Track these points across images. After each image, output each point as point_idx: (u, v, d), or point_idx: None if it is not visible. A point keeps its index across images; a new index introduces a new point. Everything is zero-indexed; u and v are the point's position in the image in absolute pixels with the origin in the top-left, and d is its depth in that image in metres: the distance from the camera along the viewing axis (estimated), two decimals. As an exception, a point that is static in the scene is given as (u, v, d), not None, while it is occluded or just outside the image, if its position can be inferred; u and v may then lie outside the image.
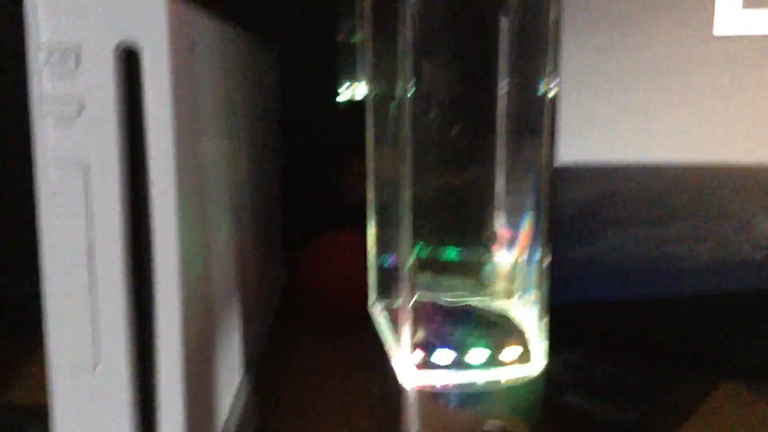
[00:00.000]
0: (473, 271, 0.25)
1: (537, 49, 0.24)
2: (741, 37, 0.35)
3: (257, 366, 0.38)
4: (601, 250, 0.37)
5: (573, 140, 0.35)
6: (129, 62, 0.24)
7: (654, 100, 0.36)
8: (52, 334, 0.25)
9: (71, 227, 0.24)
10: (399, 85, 0.23)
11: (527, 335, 0.25)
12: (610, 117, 0.35)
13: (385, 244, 0.29)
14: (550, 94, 0.24)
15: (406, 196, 0.23)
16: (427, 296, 0.25)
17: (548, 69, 0.24)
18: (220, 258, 0.32)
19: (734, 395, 0.44)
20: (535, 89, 0.24)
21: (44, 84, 0.23)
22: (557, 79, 0.24)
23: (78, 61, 0.23)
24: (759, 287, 0.39)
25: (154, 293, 0.25)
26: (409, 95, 0.23)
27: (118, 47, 0.23)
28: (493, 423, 0.24)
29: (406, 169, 0.23)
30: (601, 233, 0.37)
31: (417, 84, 0.23)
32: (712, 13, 0.35)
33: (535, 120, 0.24)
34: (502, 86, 0.24)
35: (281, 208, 0.56)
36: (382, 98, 0.25)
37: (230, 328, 0.34)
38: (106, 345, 0.24)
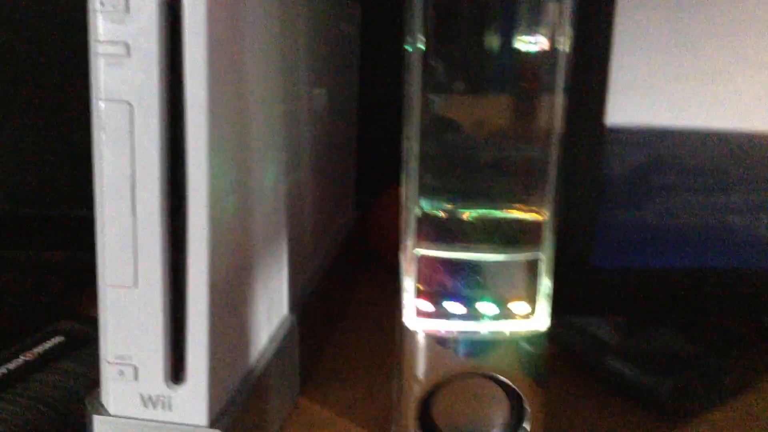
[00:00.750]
0: (486, 228, 0.25)
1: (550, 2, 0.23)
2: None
3: (305, 304, 0.40)
4: (652, 215, 0.36)
5: (626, 102, 0.34)
6: (173, 10, 0.26)
7: (716, 63, 0.34)
8: (99, 255, 0.28)
9: (117, 157, 0.27)
10: (409, 39, 0.23)
11: (534, 293, 0.26)
12: (667, 79, 0.34)
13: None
14: (564, 49, 0.23)
15: (414, 148, 0.24)
16: (436, 249, 0.25)
17: (562, 24, 0.23)
18: (267, 196, 0.34)
19: None
20: (549, 45, 0.23)
21: (98, 27, 0.26)
22: (571, 36, 0.23)
23: (127, 8, 0.26)
24: None
25: (187, 223, 0.27)
26: (418, 47, 0.23)
27: (162, -4, 0.25)
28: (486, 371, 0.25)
29: (414, 122, 0.24)
30: (653, 198, 0.35)
31: (428, 38, 0.23)
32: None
33: (548, 77, 0.24)
34: (515, 42, 0.24)
35: (356, 156, 0.58)
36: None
37: (276, 264, 0.36)
38: (143, 267, 0.27)
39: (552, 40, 0.24)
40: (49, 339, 0.41)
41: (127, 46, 0.26)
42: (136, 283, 0.28)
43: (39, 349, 0.40)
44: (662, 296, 0.37)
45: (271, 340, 0.36)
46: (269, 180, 0.34)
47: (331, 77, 0.47)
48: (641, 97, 0.34)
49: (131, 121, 0.26)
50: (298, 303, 0.40)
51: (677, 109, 0.34)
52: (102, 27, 0.26)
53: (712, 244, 0.36)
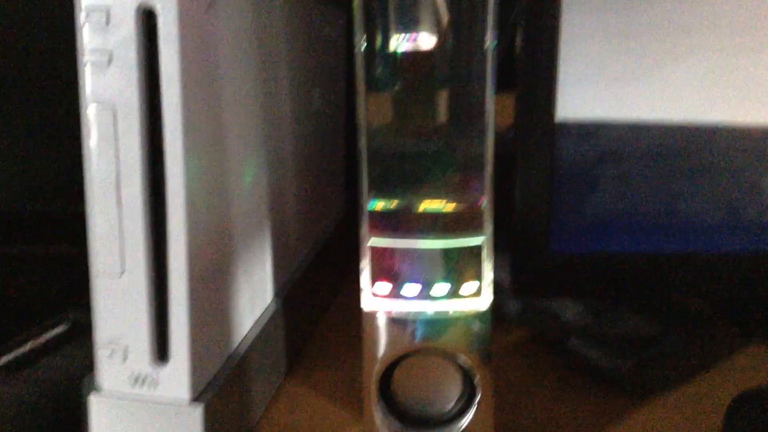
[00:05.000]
0: (432, 216, 0.28)
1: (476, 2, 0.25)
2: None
3: (290, 290, 0.43)
4: (605, 203, 0.38)
5: (574, 96, 0.36)
6: (149, 22, 0.29)
7: (661, 57, 0.36)
8: (91, 245, 0.31)
9: (103, 156, 0.29)
10: (355, 38, 0.26)
11: (479, 273, 0.28)
12: (614, 74, 0.36)
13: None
14: (489, 46, 0.25)
15: (363, 144, 0.26)
16: (388, 238, 0.28)
17: (487, 21, 0.25)
18: (248, 190, 0.37)
19: (730, 349, 0.44)
20: (477, 41, 0.26)
21: (84, 38, 0.29)
22: (495, 32, 0.25)
23: (108, 19, 0.28)
24: (764, 249, 0.38)
25: (167, 216, 0.30)
26: (362, 49, 0.26)
27: (139, 8, 0.28)
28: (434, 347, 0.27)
29: (362, 118, 0.26)
30: (606, 187, 0.38)
31: (368, 38, 0.25)
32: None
33: (478, 72, 0.26)
34: (448, 38, 0.26)
35: (347, 152, 0.60)
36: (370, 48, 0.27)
37: (259, 253, 0.39)
38: (129, 257, 0.30)
39: (478, 36, 0.26)
40: (54, 327, 0.44)
41: (109, 55, 0.29)
42: (122, 271, 0.30)
43: (44, 336, 0.43)
44: (620, 279, 0.39)
45: (255, 324, 0.38)
46: (249, 175, 0.37)
47: (315, 79, 0.49)
48: (589, 91, 0.36)
49: (115, 123, 0.29)
50: (283, 289, 0.42)
51: (624, 101, 0.36)
52: (87, 37, 0.28)
53: (664, 229, 0.38)
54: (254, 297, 0.38)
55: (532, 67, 0.35)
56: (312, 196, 0.50)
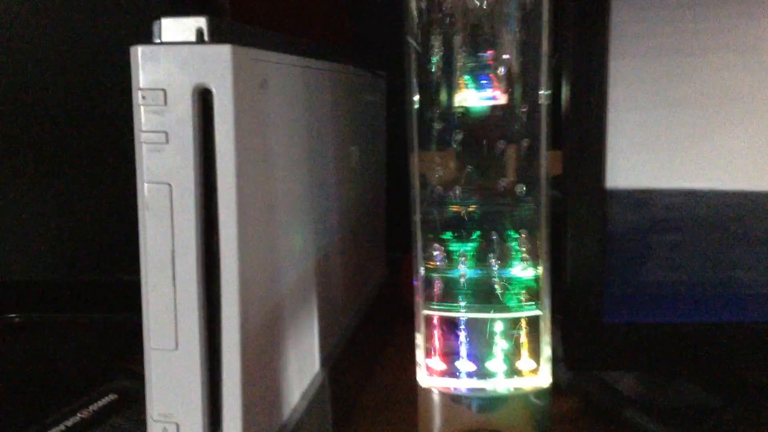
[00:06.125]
0: (490, 286, 0.27)
1: (532, 60, 0.25)
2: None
3: (336, 360, 0.42)
4: (657, 272, 0.37)
5: (626, 164, 0.36)
6: (205, 101, 0.29)
7: (711, 125, 0.35)
8: (145, 319, 0.31)
9: (159, 232, 0.30)
10: (407, 98, 0.26)
11: (537, 347, 0.27)
12: (667, 142, 0.36)
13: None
14: (543, 102, 0.25)
15: (416, 217, 0.26)
16: (442, 309, 0.27)
17: (541, 78, 0.25)
18: (297, 259, 0.37)
19: None
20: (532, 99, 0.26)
21: (141, 118, 0.29)
22: (549, 90, 0.26)
23: (165, 100, 0.29)
24: None
25: (220, 291, 0.30)
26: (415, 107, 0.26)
27: (195, 89, 0.29)
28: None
29: (414, 192, 0.26)
30: (657, 256, 0.37)
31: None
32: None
33: (532, 129, 0.26)
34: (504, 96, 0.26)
35: (386, 216, 0.60)
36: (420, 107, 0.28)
37: (307, 323, 0.39)
38: (182, 331, 0.30)
39: (534, 97, 0.26)
40: (103, 397, 0.44)
41: (166, 134, 0.29)
42: (177, 346, 0.30)
43: (94, 407, 0.43)
44: (675, 351, 0.38)
45: (303, 395, 0.38)
46: (298, 244, 0.37)
47: (358, 143, 0.50)
48: (638, 158, 0.36)
49: (170, 200, 0.30)
50: (329, 359, 0.42)
51: (673, 169, 0.36)
52: (144, 118, 0.29)
53: (720, 299, 0.37)
54: (302, 367, 0.38)
55: (580, 132, 0.35)
56: (357, 261, 0.50)
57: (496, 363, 0.27)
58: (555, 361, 0.40)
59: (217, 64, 0.29)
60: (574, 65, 0.35)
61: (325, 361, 0.41)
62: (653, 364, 0.40)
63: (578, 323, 0.38)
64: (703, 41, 0.35)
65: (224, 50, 0.28)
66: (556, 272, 0.38)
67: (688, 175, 0.36)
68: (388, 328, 0.59)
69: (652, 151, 0.35)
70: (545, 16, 0.26)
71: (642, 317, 0.38)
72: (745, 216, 0.36)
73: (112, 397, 0.44)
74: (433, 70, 0.26)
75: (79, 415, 0.41)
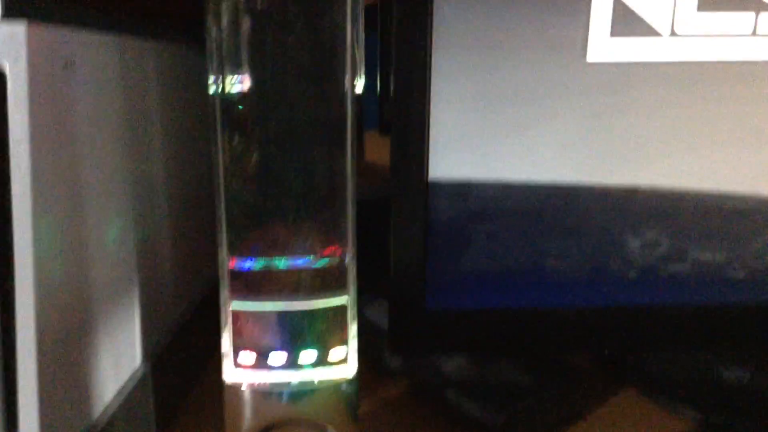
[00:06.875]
0: (295, 276, 0.27)
1: (338, 48, 0.26)
2: (611, 64, 0.37)
3: (159, 354, 0.41)
4: (477, 260, 0.39)
5: (446, 156, 0.38)
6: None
7: (526, 121, 0.38)
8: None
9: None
10: (208, 87, 0.25)
11: (345, 336, 0.28)
12: (485, 135, 0.38)
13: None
14: (355, 91, 0.26)
15: (220, 207, 0.26)
16: (249, 302, 0.27)
17: (350, 66, 0.26)
18: (111, 252, 0.35)
19: (604, 398, 0.46)
20: (340, 87, 0.26)
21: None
22: (361, 78, 0.26)
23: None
24: (635, 302, 0.41)
25: (14, 287, 0.28)
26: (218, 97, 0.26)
27: (-15, 68, 0.26)
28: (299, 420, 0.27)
29: (218, 181, 0.26)
30: (477, 245, 0.39)
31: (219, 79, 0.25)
32: (586, 40, 0.37)
33: (338, 121, 0.26)
34: (309, 85, 0.26)
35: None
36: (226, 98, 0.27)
37: (126, 317, 0.37)
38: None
39: (337, 79, 0.26)
40: None
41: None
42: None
43: None
44: (495, 335, 0.41)
45: (120, 391, 0.36)
46: (113, 235, 0.35)
47: (189, 133, 0.48)
48: (459, 150, 0.37)
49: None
50: (153, 353, 0.41)
51: (491, 162, 0.38)
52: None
53: (535, 285, 0.40)
54: (119, 362, 0.36)
55: (403, 124, 0.36)
56: (187, 252, 0.49)
57: (302, 354, 0.27)
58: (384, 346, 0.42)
59: (11, 44, 0.26)
60: (397, 58, 0.36)
61: (148, 355, 0.40)
62: (473, 348, 0.42)
63: (402, 310, 0.39)
64: (520, 38, 0.37)
65: (19, 28, 0.26)
66: (383, 261, 0.39)
67: (504, 168, 0.38)
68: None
69: (472, 144, 0.37)
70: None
71: (463, 303, 0.40)
72: (555, 207, 0.39)
73: None
74: (227, 50, 0.26)
75: None
